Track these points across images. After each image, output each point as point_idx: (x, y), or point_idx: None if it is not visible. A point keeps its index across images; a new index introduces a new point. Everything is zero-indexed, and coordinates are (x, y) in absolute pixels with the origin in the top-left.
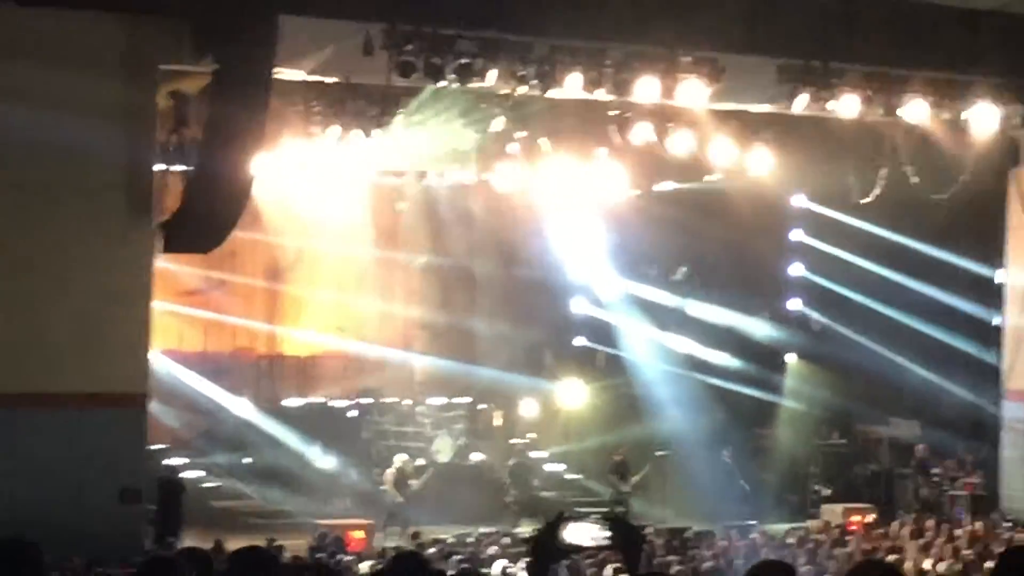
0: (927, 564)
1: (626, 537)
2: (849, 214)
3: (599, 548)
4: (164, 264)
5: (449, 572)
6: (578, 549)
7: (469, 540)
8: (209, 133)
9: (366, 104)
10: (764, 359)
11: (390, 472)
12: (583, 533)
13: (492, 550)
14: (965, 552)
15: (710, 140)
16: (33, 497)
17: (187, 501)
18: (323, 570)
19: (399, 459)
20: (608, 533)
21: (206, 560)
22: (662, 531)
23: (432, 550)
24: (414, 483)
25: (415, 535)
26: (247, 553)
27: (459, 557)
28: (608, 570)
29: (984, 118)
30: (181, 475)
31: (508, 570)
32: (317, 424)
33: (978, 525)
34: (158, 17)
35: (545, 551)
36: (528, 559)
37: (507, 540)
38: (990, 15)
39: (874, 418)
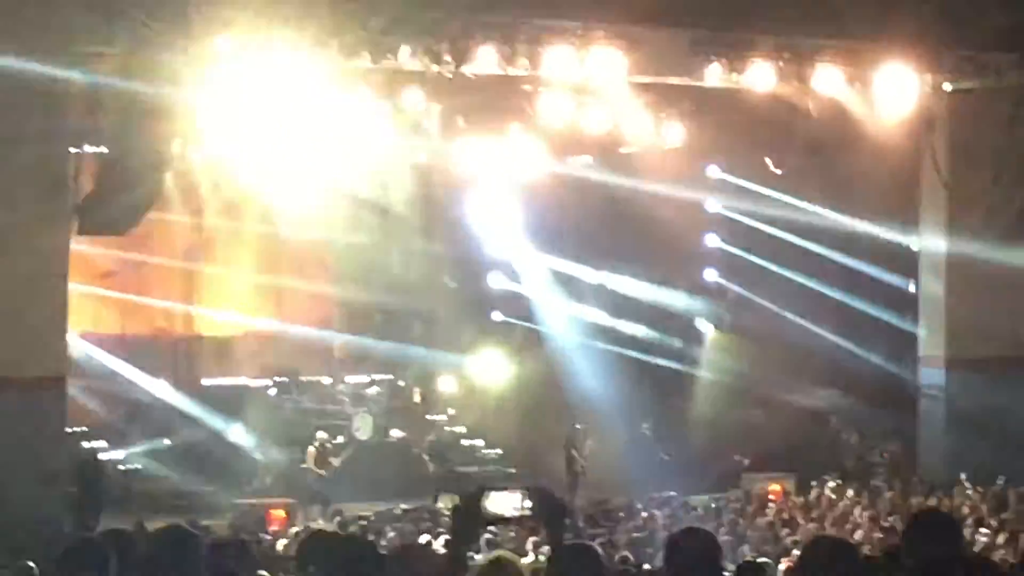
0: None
1: (548, 508)
2: (764, 185)
3: (521, 519)
4: (79, 246)
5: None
6: (501, 519)
7: (393, 515)
8: (122, 115)
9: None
10: (682, 331)
11: (311, 450)
12: (505, 503)
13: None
14: (885, 519)
15: (625, 113)
16: None
17: (107, 483)
18: (245, 547)
19: (319, 437)
20: (530, 503)
21: (129, 541)
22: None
23: (353, 528)
24: (335, 461)
25: (336, 513)
26: (170, 532)
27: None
28: (528, 543)
29: (896, 86)
30: (100, 457)
31: (431, 545)
32: (237, 404)
33: (897, 492)
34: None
35: (468, 522)
36: (451, 530)
37: (427, 515)
38: None
39: (792, 387)
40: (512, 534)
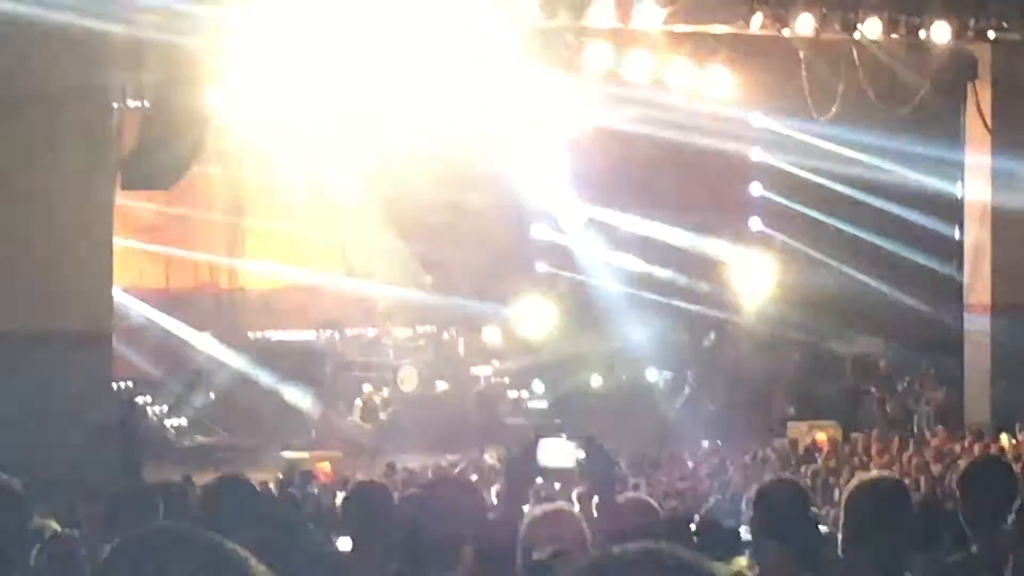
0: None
1: (599, 459)
2: (808, 133)
3: (573, 469)
4: (123, 201)
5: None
6: (556, 472)
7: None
8: (165, 69)
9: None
10: (726, 280)
11: (357, 403)
12: (558, 452)
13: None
14: (933, 466)
15: (667, 63)
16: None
17: (146, 435)
18: (295, 501)
19: (365, 390)
20: (583, 453)
21: (180, 493)
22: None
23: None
24: (381, 414)
25: (390, 465)
26: (224, 484)
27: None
28: (573, 494)
29: (940, 33)
30: (141, 409)
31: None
32: (281, 357)
33: (944, 439)
34: None
35: (521, 472)
36: (505, 480)
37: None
38: None
39: (837, 335)
40: (558, 486)
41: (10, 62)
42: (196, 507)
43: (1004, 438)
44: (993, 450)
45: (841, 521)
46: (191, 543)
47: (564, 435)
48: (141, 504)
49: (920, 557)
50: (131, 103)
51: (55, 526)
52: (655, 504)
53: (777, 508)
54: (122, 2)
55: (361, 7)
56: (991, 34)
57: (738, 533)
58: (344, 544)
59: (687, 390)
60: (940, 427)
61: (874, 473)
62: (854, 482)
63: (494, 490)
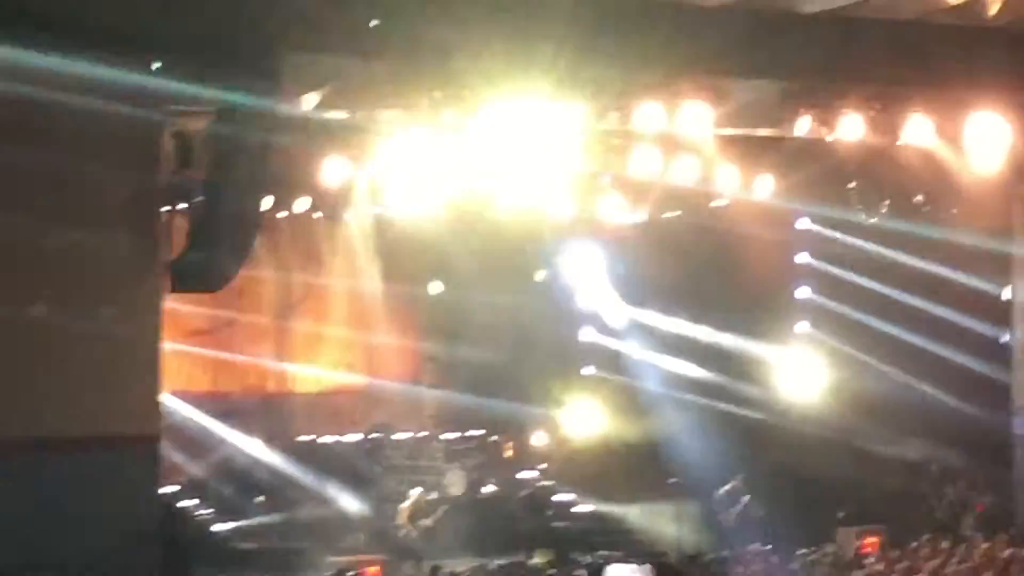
0: None
1: None
2: (854, 236)
3: None
4: (171, 304)
5: None
6: None
7: (487, 572)
8: (213, 170)
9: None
10: (774, 383)
11: (404, 506)
12: None
13: None
14: (983, 573)
15: (714, 166)
16: (46, 542)
17: (195, 537)
18: None
19: (413, 493)
20: None
21: None
22: (679, 558)
23: None
24: (428, 518)
25: (434, 570)
26: None
27: None
28: None
29: (988, 135)
30: (186, 514)
31: None
32: (329, 461)
33: (994, 544)
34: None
35: None
36: None
37: (522, 572)
38: (994, 32)
39: (885, 439)
40: None
41: (60, 152)
42: None
43: None
44: None
45: None
46: None
47: (633, 562)
48: None
49: None
50: (179, 204)
51: None
52: None
53: None
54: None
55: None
56: None
57: None
58: None
59: (744, 499)
60: (991, 533)
61: None
62: None
63: None
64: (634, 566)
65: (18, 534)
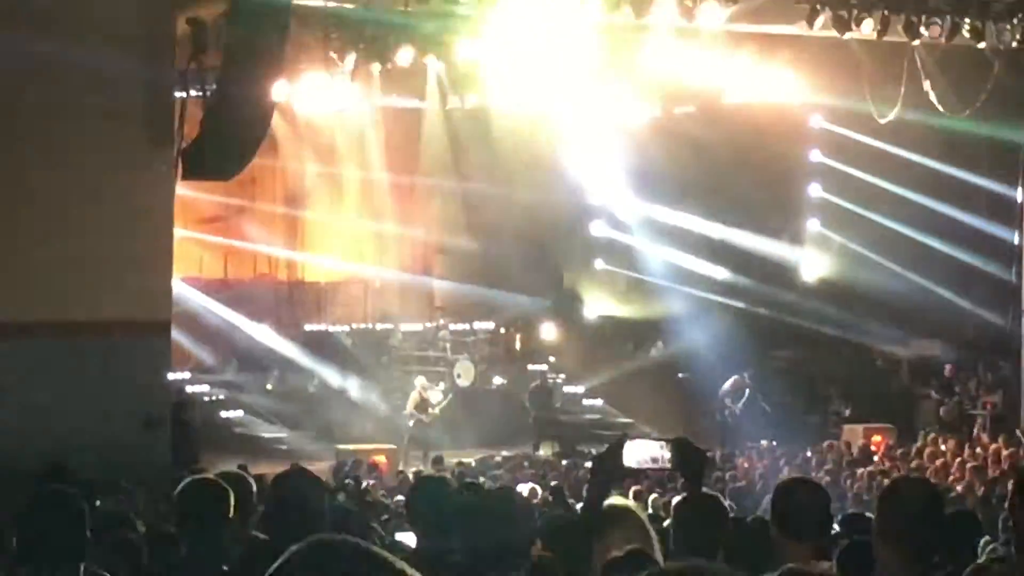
0: (948, 483)
1: (692, 460)
2: (868, 135)
3: (660, 470)
4: (183, 191)
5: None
6: (640, 472)
7: (494, 463)
8: (228, 59)
9: (384, 29)
10: (783, 280)
11: (412, 396)
12: (645, 454)
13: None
14: (988, 470)
15: (728, 62)
16: (58, 425)
17: (200, 425)
18: (359, 494)
19: (419, 383)
20: (670, 455)
21: (245, 483)
22: None
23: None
24: (435, 407)
25: (437, 459)
26: (292, 478)
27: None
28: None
29: (1004, 35)
30: (196, 399)
31: (533, 492)
32: (338, 350)
33: (1000, 443)
34: None
35: (606, 473)
36: (589, 481)
37: (528, 463)
38: None
39: (894, 338)
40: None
41: (69, 48)
42: (269, 500)
43: None
44: None
45: (874, 519)
46: (356, 555)
47: (651, 436)
48: (212, 492)
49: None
50: (192, 92)
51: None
52: (726, 503)
53: (797, 508)
54: None
55: None
56: None
57: None
58: (406, 538)
59: (748, 393)
60: (997, 432)
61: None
62: (887, 483)
63: (551, 484)
64: (653, 443)
65: (29, 420)
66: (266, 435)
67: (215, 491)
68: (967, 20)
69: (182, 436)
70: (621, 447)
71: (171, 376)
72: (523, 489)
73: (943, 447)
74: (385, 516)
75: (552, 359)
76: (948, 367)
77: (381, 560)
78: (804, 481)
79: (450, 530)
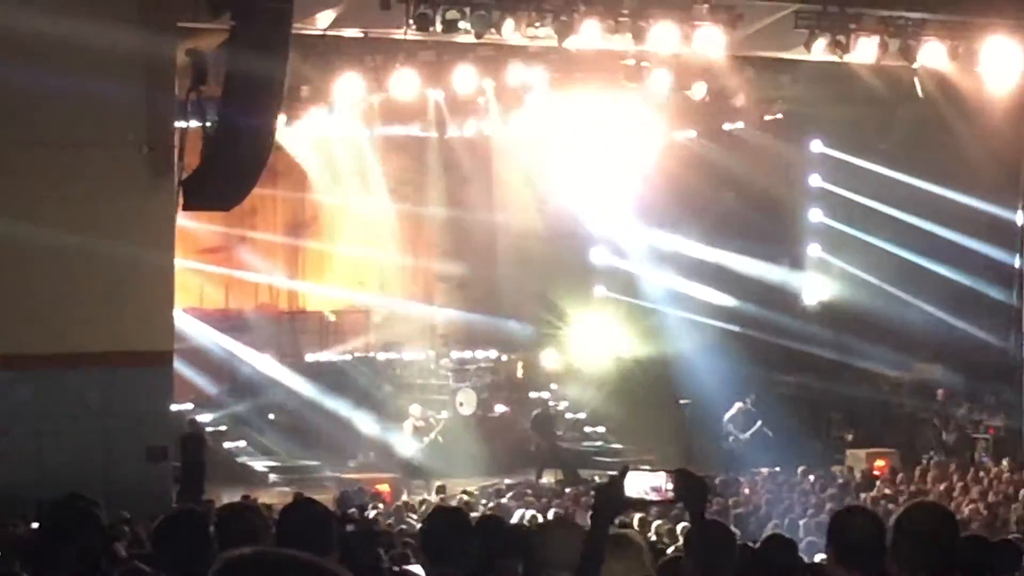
0: (952, 507)
1: (693, 490)
2: (867, 159)
3: (663, 502)
4: (184, 221)
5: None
6: (643, 503)
7: (496, 491)
8: (228, 89)
9: (384, 58)
10: (784, 305)
11: (411, 424)
12: (647, 484)
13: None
14: (991, 495)
15: (728, 87)
16: (61, 456)
17: (208, 456)
18: (366, 524)
19: (419, 412)
20: (671, 485)
21: (250, 512)
22: None
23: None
24: (437, 435)
25: (440, 488)
26: (301, 509)
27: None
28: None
29: (1002, 60)
30: (202, 430)
31: (534, 519)
32: (340, 379)
33: (1003, 467)
34: None
35: (608, 505)
36: (592, 510)
37: (530, 491)
38: None
39: (896, 362)
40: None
41: (70, 79)
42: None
43: None
44: None
45: (890, 544)
46: (293, 565)
47: (650, 467)
48: (191, 525)
49: None
50: (193, 123)
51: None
52: (736, 532)
53: (856, 535)
54: (187, 23)
55: None
56: None
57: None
58: (416, 568)
59: (754, 421)
60: (1000, 455)
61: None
62: (904, 506)
63: (551, 513)
64: (654, 473)
65: (33, 450)
66: (268, 465)
67: (193, 521)
68: (964, 44)
69: (186, 466)
70: (623, 478)
71: (174, 407)
72: (524, 515)
73: (946, 471)
74: (392, 546)
75: (554, 387)
76: (940, 391)
77: (306, 562)
78: (862, 510)
79: (467, 563)
